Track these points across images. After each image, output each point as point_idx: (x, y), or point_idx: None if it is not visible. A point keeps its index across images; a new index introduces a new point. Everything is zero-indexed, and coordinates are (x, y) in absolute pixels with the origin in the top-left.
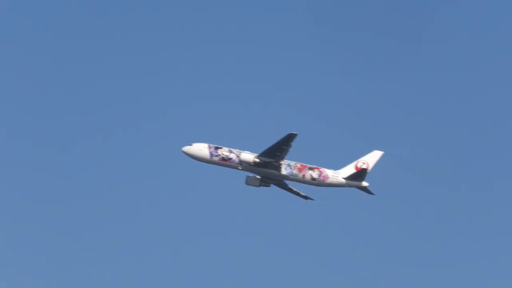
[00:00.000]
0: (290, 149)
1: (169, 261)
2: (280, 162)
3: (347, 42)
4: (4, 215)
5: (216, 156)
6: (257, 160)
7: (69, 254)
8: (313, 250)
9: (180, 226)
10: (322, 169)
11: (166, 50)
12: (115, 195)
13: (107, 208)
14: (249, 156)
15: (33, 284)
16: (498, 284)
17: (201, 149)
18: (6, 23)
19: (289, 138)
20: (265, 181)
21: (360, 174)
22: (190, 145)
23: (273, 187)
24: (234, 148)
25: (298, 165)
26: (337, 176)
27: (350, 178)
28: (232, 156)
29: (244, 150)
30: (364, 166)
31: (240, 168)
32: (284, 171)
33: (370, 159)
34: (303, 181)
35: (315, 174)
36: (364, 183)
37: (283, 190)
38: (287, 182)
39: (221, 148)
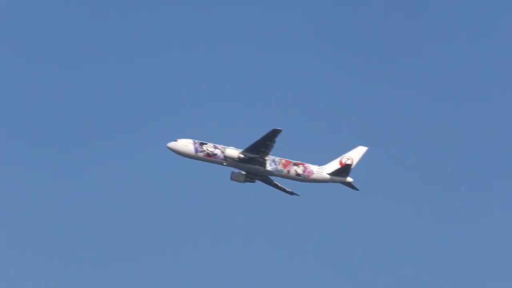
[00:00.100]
0: (274, 145)
1: (156, 258)
2: (265, 158)
3: (347, 42)
4: (4, 215)
5: (201, 152)
6: (242, 156)
7: (69, 254)
8: (299, 246)
9: (165, 223)
10: (307, 165)
11: (166, 50)
12: (109, 195)
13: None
14: (233, 152)
15: (33, 284)
16: (498, 284)
17: (186, 145)
18: (6, 23)
19: (273, 133)
20: (251, 177)
21: (345, 169)
22: (175, 141)
23: (258, 183)
24: (220, 144)
25: (283, 160)
26: (322, 172)
27: (335, 173)
28: (217, 152)
29: (233, 146)
30: (348, 162)
31: (225, 164)
32: (269, 166)
33: (354, 155)
34: (287, 176)
35: (299, 169)
36: (349, 179)
37: (268, 185)
38: (272, 178)
39: (206, 144)
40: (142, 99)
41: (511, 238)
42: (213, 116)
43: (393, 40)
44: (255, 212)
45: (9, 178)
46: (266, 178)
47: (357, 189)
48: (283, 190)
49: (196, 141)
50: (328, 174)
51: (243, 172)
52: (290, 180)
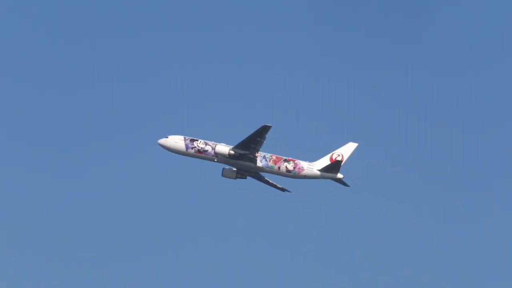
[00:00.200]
0: (264, 141)
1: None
2: (256, 154)
3: (347, 42)
4: (4, 215)
5: (192, 148)
6: (232, 152)
7: (68, 254)
8: (291, 243)
9: (157, 220)
10: (297, 161)
11: (166, 50)
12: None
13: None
14: (224, 148)
15: (33, 284)
16: (498, 284)
17: (177, 141)
18: (6, 23)
19: (263, 130)
20: (242, 173)
21: (335, 166)
22: (166, 137)
23: (249, 179)
24: (211, 140)
25: (274, 157)
26: (312, 168)
27: (325, 170)
28: (208, 148)
29: (224, 143)
30: (338, 158)
31: (216, 160)
32: (260, 163)
33: (345, 151)
34: (278, 173)
35: (290, 166)
36: (339, 175)
37: (259, 182)
38: (263, 174)
39: (197, 140)
40: (142, 99)
41: (511, 238)
42: (213, 116)
43: (393, 40)
44: (247, 209)
45: (9, 178)
46: (257, 174)
47: (347, 185)
48: (275, 186)
49: (187, 137)
50: (319, 170)
51: (234, 169)
52: (281, 177)
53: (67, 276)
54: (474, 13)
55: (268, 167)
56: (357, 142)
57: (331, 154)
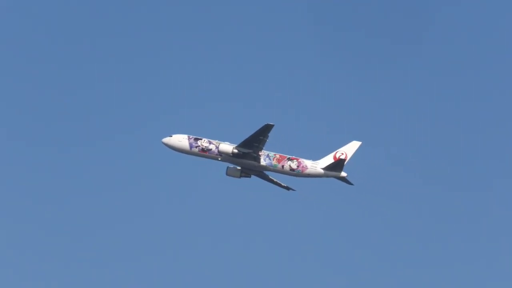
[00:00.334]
0: (267, 140)
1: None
2: (259, 153)
3: (347, 42)
4: (4, 215)
5: (196, 147)
6: (236, 151)
7: (69, 254)
8: (296, 242)
9: (161, 220)
10: (301, 160)
11: (166, 50)
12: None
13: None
14: (227, 147)
15: (33, 284)
16: (498, 284)
17: (180, 140)
18: (6, 23)
19: (266, 128)
20: (246, 172)
21: (338, 164)
22: (170, 136)
23: (254, 178)
24: (215, 139)
25: (277, 155)
26: (316, 167)
27: (328, 168)
28: (212, 147)
29: (228, 142)
30: (342, 157)
31: (220, 159)
32: (263, 161)
33: (348, 150)
34: (282, 171)
35: (294, 164)
36: (343, 173)
37: (264, 181)
38: (267, 173)
39: (200, 139)
40: (142, 99)
41: (511, 238)
42: (213, 116)
43: (393, 40)
44: (252, 207)
45: (9, 178)
46: (261, 173)
47: (351, 184)
48: (279, 185)
49: (191, 136)
50: (322, 169)
51: (239, 167)
52: (284, 175)
53: (69, 276)
54: (474, 13)
55: (271, 165)
56: (360, 141)
57: (334, 152)
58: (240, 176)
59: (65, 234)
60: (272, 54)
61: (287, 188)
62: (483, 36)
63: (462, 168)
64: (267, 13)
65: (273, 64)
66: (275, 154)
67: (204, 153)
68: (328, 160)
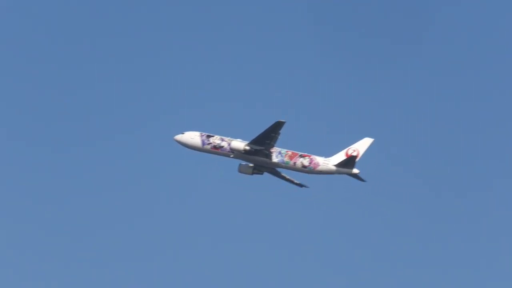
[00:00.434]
0: (279, 137)
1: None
2: (271, 150)
3: (347, 42)
4: (4, 215)
5: (208, 144)
6: (248, 148)
7: (70, 254)
8: (309, 239)
9: (174, 217)
10: (313, 157)
11: (166, 50)
12: (109, 195)
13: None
14: (239, 144)
15: (33, 284)
16: (498, 284)
17: (193, 137)
18: (6, 23)
19: (277, 125)
20: (258, 169)
21: (350, 161)
22: (182, 133)
23: (266, 175)
24: (226, 136)
25: (289, 152)
26: (328, 164)
27: (340, 165)
28: (224, 144)
29: (240, 139)
30: (354, 153)
31: (232, 156)
32: (275, 158)
33: (360, 146)
34: (294, 168)
35: (305, 161)
36: (355, 170)
37: (276, 177)
38: (279, 170)
39: (213, 136)
40: (142, 99)
41: (511, 238)
42: (213, 116)
43: (393, 40)
44: (264, 205)
45: (9, 178)
46: (273, 170)
47: (363, 180)
48: (292, 182)
49: (203, 133)
50: (334, 165)
51: (251, 164)
52: (296, 172)
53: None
54: (474, 13)
55: (283, 162)
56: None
57: (346, 149)
58: (252, 173)
59: (65, 234)
60: (272, 54)
61: (300, 185)
62: (483, 36)
63: (462, 168)
64: (267, 13)
65: (273, 64)
66: (287, 151)
67: (216, 150)
68: (340, 157)
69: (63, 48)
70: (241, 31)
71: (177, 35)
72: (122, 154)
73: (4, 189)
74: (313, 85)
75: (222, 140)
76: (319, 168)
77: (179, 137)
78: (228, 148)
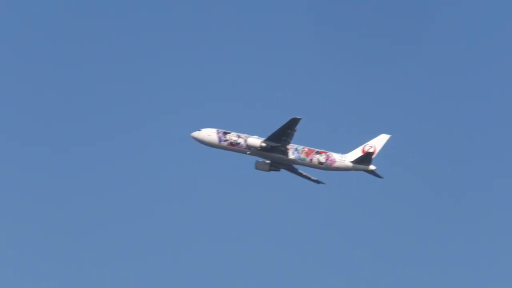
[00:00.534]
0: (295, 134)
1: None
2: (287, 147)
3: (347, 42)
4: (4, 215)
5: (225, 141)
6: (264, 144)
7: (70, 254)
8: (326, 236)
9: (192, 213)
10: (329, 153)
11: (166, 50)
12: (122, 193)
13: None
14: (256, 141)
15: (33, 284)
16: (498, 284)
17: (209, 134)
18: (6, 23)
19: (293, 122)
20: (275, 166)
21: (366, 157)
22: (199, 130)
23: (283, 172)
24: (243, 133)
25: (306, 149)
26: (344, 160)
27: (357, 161)
28: (240, 141)
29: (256, 136)
30: (371, 150)
31: (249, 153)
32: (292, 155)
33: (377, 143)
34: (310, 165)
35: (322, 158)
36: (372, 167)
37: (293, 174)
38: (296, 166)
39: (229, 133)
40: (142, 99)
41: (511, 238)
42: (213, 116)
43: (393, 40)
44: (282, 201)
45: (9, 178)
46: (290, 166)
47: (380, 177)
48: (309, 178)
49: (220, 130)
50: (351, 162)
51: (268, 161)
52: (313, 169)
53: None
54: (474, 13)
55: (300, 159)
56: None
57: (363, 145)
58: (269, 170)
59: (65, 234)
60: (272, 54)
61: (317, 182)
62: (483, 36)
63: (462, 168)
64: (267, 13)
65: (273, 64)
66: (303, 148)
67: (233, 147)
68: (357, 153)
69: (63, 48)
70: (241, 31)
71: (177, 35)
72: (122, 154)
73: (4, 189)
74: (313, 85)
75: (239, 137)
76: (336, 164)
77: (196, 134)
78: (244, 145)
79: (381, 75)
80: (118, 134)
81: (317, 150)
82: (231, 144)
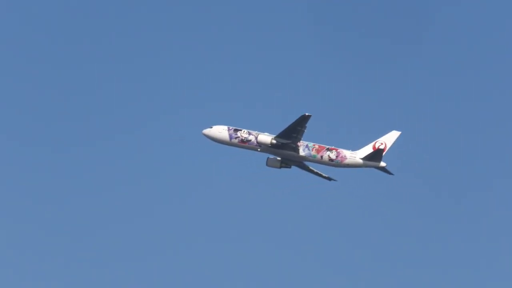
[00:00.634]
0: (305, 130)
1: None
2: (298, 144)
3: (347, 42)
4: (5, 215)
5: (236, 138)
6: (274, 141)
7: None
8: (338, 232)
9: (203, 210)
10: (340, 150)
11: (166, 50)
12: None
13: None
14: (266, 138)
15: (33, 284)
16: (498, 284)
17: (220, 131)
18: (6, 23)
19: (303, 119)
20: (286, 163)
21: (376, 154)
22: (210, 127)
23: (294, 169)
24: (253, 130)
25: (316, 146)
26: (355, 157)
27: (367, 158)
28: (251, 138)
29: (267, 133)
30: (381, 147)
31: (259, 150)
32: (302, 152)
33: (387, 139)
34: (321, 162)
35: (333, 155)
36: (382, 163)
37: (304, 171)
38: (307, 163)
39: (240, 130)
40: (142, 99)
41: (511, 238)
42: (213, 116)
43: (393, 40)
44: (293, 198)
45: (9, 178)
46: (301, 163)
47: (391, 174)
48: (320, 175)
49: (231, 127)
50: (361, 159)
51: (279, 158)
52: (323, 165)
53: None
54: (474, 13)
55: (310, 156)
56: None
57: (374, 142)
58: (280, 167)
59: (65, 234)
60: (272, 54)
61: (329, 179)
62: (483, 36)
63: (462, 168)
64: (267, 13)
65: (273, 64)
66: (314, 145)
67: (244, 144)
68: (368, 150)
69: (63, 48)
70: (241, 31)
71: (177, 35)
72: (122, 154)
73: (4, 189)
74: (313, 85)
75: (250, 134)
76: (346, 161)
77: (207, 131)
78: (255, 142)
79: (381, 75)
80: (118, 134)
81: (327, 147)
82: (242, 141)
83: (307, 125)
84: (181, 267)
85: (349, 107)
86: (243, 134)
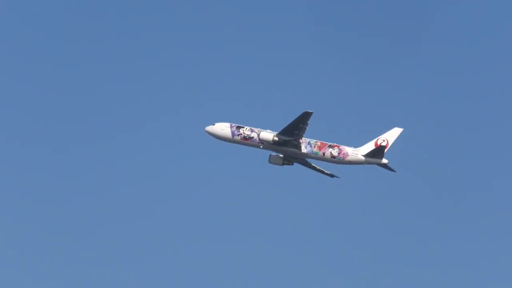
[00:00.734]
0: (307, 128)
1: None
2: (300, 141)
3: (347, 42)
4: (5, 215)
5: (238, 135)
6: (276, 138)
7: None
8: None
9: (206, 208)
10: (342, 147)
11: (166, 50)
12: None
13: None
14: (268, 135)
15: (33, 284)
16: (498, 284)
17: (223, 128)
18: (6, 23)
19: (305, 116)
20: (288, 160)
21: (378, 151)
22: (213, 124)
23: (296, 166)
24: (256, 127)
25: (318, 143)
26: (357, 154)
27: (369, 155)
28: (254, 135)
29: (269, 130)
30: (383, 144)
31: (262, 147)
32: (305, 149)
33: (390, 136)
34: (323, 159)
35: (335, 151)
36: (384, 160)
37: (307, 168)
38: (310, 160)
39: (243, 127)
40: (142, 99)
41: (511, 238)
42: (213, 116)
43: (393, 40)
44: (296, 195)
45: (9, 178)
46: (303, 160)
47: (393, 171)
48: (322, 172)
49: (233, 124)
50: (363, 155)
51: (281, 155)
52: (325, 162)
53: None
54: (474, 13)
55: (313, 153)
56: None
57: (376, 139)
58: (283, 164)
59: (65, 234)
60: (272, 54)
61: (331, 176)
62: (483, 36)
63: (462, 168)
64: (267, 13)
65: (273, 64)
66: (316, 142)
67: (246, 141)
68: (370, 147)
69: (63, 48)
70: (241, 31)
71: (177, 35)
72: (122, 154)
73: (4, 189)
74: (313, 85)
75: (252, 131)
76: (348, 158)
77: (209, 128)
78: (257, 139)
79: (382, 75)
80: (118, 134)
81: (329, 143)
82: (245, 138)
83: (309, 122)
84: (186, 266)
85: (349, 106)
86: (246, 131)
